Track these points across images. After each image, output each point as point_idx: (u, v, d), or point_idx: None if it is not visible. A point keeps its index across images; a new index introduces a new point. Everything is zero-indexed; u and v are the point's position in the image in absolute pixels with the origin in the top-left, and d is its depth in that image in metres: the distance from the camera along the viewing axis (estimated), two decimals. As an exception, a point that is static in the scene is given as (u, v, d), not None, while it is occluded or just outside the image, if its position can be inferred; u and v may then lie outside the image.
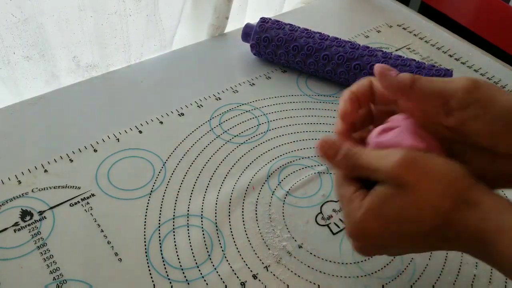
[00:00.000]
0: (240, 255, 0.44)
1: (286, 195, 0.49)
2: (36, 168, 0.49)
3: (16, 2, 0.53)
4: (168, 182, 0.49)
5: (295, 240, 0.46)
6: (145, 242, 0.44)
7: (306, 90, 0.62)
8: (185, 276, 0.42)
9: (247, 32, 0.64)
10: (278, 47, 0.62)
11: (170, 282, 0.41)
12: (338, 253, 0.45)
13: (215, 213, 0.47)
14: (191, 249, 0.44)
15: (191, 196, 0.48)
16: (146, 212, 0.46)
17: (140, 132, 0.54)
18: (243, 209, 0.48)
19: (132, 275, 0.42)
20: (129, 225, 0.45)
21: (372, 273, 0.44)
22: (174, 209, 0.47)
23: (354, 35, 0.72)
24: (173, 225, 0.46)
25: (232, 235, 0.45)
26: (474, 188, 0.32)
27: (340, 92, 0.62)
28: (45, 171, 0.49)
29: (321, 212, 0.48)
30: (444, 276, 0.44)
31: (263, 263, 0.44)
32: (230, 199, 0.48)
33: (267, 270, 0.43)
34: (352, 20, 0.77)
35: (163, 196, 0.48)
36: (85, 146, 0.52)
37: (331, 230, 0.47)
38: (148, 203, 0.47)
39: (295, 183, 0.50)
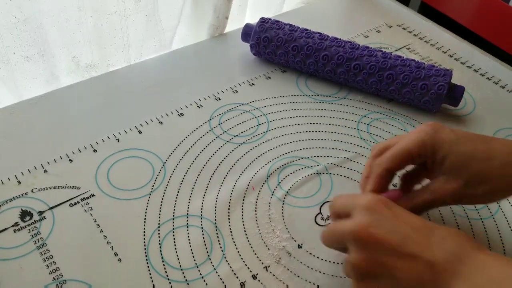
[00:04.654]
0: (240, 255, 0.44)
1: (286, 195, 0.49)
2: (36, 168, 0.49)
3: (16, 2, 0.53)
4: (168, 182, 0.49)
5: (295, 240, 0.46)
6: (144, 242, 0.44)
7: (306, 90, 0.62)
8: (184, 276, 0.42)
9: (247, 32, 0.64)
10: (278, 47, 0.62)
11: (170, 282, 0.41)
12: (338, 253, 0.45)
13: (215, 213, 0.47)
14: (191, 249, 0.44)
15: (190, 196, 0.48)
16: (146, 212, 0.46)
17: (140, 132, 0.54)
18: (242, 209, 0.48)
19: (131, 275, 0.42)
20: (129, 225, 0.45)
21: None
22: (174, 209, 0.47)
23: (354, 35, 0.72)
24: (173, 225, 0.46)
25: (231, 235, 0.45)
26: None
27: (340, 92, 0.62)
28: (45, 171, 0.49)
29: (320, 212, 0.48)
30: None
31: (262, 263, 0.44)
32: (230, 199, 0.48)
33: (267, 270, 0.43)
34: (352, 20, 0.77)
35: (163, 196, 0.48)
36: (85, 146, 0.52)
37: (330, 230, 0.47)
38: (147, 203, 0.47)
39: (295, 183, 0.50)
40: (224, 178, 0.50)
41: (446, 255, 0.34)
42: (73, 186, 0.48)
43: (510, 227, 0.49)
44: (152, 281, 0.41)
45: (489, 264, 0.33)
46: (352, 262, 0.36)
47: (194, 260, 0.43)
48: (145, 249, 0.44)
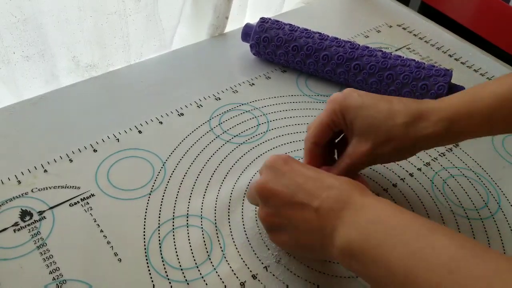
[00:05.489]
0: (240, 255, 0.44)
1: (286, 195, 0.49)
2: (36, 168, 0.49)
3: (16, 2, 0.53)
4: (168, 182, 0.49)
5: (295, 240, 0.46)
6: (144, 242, 0.44)
7: (306, 90, 0.62)
8: (184, 276, 0.42)
9: (247, 32, 0.64)
10: (277, 47, 0.62)
11: (170, 282, 0.41)
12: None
13: (215, 213, 0.47)
14: (191, 249, 0.44)
15: (190, 196, 0.48)
16: (146, 212, 0.46)
17: (140, 132, 0.54)
18: (242, 209, 0.48)
19: (131, 275, 0.42)
20: (129, 225, 0.45)
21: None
22: (174, 209, 0.47)
23: (354, 35, 0.72)
24: (173, 225, 0.46)
25: (231, 235, 0.45)
26: None
27: (340, 92, 0.62)
28: (45, 171, 0.49)
29: (320, 212, 0.48)
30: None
31: (262, 263, 0.44)
32: (230, 199, 0.48)
33: (267, 270, 0.43)
34: (352, 20, 0.77)
35: (163, 196, 0.48)
36: (85, 146, 0.52)
37: (330, 230, 0.47)
38: (147, 203, 0.47)
39: (295, 183, 0.50)
40: (224, 178, 0.50)
41: (330, 201, 0.36)
42: (73, 186, 0.48)
43: (510, 227, 0.49)
44: (152, 281, 0.41)
45: (369, 206, 0.35)
46: (260, 216, 0.40)
47: (194, 260, 0.43)
48: (145, 249, 0.44)
